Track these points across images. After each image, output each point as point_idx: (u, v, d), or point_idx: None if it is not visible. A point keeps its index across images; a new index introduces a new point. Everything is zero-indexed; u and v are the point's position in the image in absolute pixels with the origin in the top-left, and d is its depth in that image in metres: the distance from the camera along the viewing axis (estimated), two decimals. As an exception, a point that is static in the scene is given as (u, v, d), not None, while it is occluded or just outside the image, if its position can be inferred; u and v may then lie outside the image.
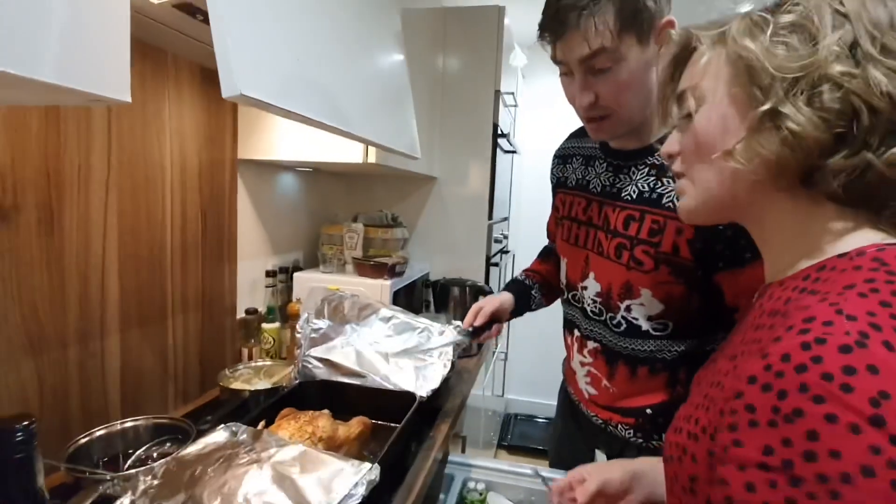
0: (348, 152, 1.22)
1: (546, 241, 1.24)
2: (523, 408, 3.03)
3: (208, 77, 1.13)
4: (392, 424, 0.96)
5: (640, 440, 0.87)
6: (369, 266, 1.43)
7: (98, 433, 0.78)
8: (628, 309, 0.84)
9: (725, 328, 0.81)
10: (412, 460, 0.92)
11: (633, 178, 0.83)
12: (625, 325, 0.85)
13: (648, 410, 0.86)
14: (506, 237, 2.38)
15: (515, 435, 2.82)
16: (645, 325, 0.83)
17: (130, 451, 0.79)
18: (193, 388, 1.16)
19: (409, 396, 0.99)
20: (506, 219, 2.47)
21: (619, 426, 0.89)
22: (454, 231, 1.91)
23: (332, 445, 0.80)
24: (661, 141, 0.72)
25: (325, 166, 1.51)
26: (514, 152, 2.31)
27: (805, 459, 0.32)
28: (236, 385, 1.10)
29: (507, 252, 2.38)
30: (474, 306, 1.10)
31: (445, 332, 1.22)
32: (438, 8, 1.80)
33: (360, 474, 0.62)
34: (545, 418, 2.92)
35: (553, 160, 1.07)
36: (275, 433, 0.76)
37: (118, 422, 0.82)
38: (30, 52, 0.40)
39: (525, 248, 2.86)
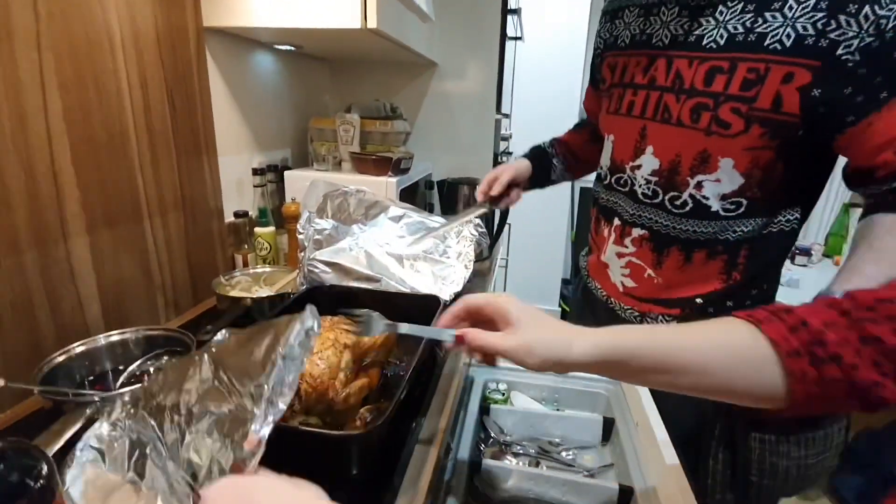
0: (342, 16, 0.99)
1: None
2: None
3: None
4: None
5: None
6: (371, 161, 1.26)
7: (78, 349, 0.65)
8: (699, 186, 0.72)
9: (807, 202, 0.73)
10: (440, 367, 0.84)
11: (721, 18, 0.67)
12: (691, 205, 0.74)
13: (699, 300, 0.79)
14: (511, 135, 2.19)
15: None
16: (715, 206, 0.73)
17: (121, 368, 0.68)
18: (185, 299, 1.03)
19: (431, 300, 0.88)
20: (507, 115, 2.25)
21: (661, 317, 0.82)
22: (457, 126, 1.72)
23: (358, 353, 0.70)
24: None
25: (310, 41, 1.26)
26: (518, 38, 2.04)
27: None
28: (235, 293, 0.98)
29: (509, 153, 2.20)
30: (488, 175, 1.01)
31: (464, 230, 1.10)
32: None
33: (294, 332, 0.46)
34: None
35: (601, 18, 0.91)
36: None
37: (101, 336, 0.69)
38: None
39: (527, 148, 2.67)
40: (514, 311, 0.48)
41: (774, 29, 0.61)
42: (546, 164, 1.07)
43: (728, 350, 0.42)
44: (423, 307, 0.84)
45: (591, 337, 0.45)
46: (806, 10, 0.59)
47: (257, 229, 1.15)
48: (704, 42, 0.68)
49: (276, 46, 1.34)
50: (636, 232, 0.82)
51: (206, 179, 1.08)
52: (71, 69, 0.73)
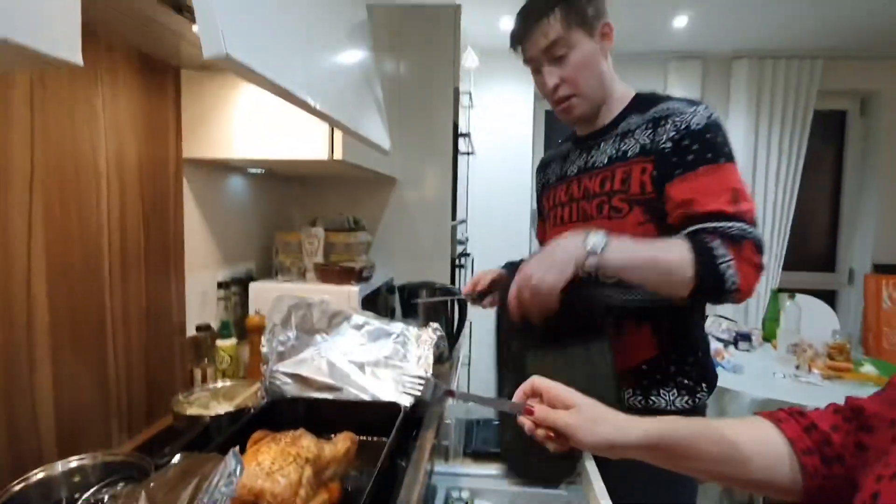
0: (313, 149, 1.13)
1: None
2: (486, 412, 3.00)
3: (147, 64, 1.01)
4: (375, 439, 0.89)
5: (640, 400, 0.93)
6: (335, 272, 1.34)
7: (36, 477, 0.64)
8: None
9: None
10: (402, 475, 0.85)
11: (603, 149, 0.98)
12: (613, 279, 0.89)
13: (644, 367, 0.93)
14: (467, 239, 2.36)
15: (479, 440, 2.78)
16: None
17: (77, 496, 0.66)
18: (139, 419, 1.01)
19: (392, 407, 0.92)
20: (464, 221, 2.44)
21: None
22: (417, 234, 1.86)
23: (319, 466, 0.71)
24: (621, 119, 0.95)
25: (281, 167, 1.40)
26: (471, 153, 2.30)
27: None
28: (192, 411, 0.97)
29: (467, 255, 2.35)
30: (473, 278, 1.15)
31: (423, 335, 1.16)
32: (395, 7, 1.75)
33: (218, 476, 0.49)
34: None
35: (536, 173, 1.21)
36: (252, 460, 0.66)
37: (59, 462, 0.68)
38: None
39: (483, 250, 2.85)
40: (577, 396, 0.57)
41: (631, 146, 0.93)
42: None
43: (755, 443, 0.50)
44: (384, 415, 0.88)
45: (643, 424, 0.53)
46: (643, 132, 0.92)
47: (219, 342, 1.17)
48: (596, 164, 0.99)
49: (249, 170, 1.47)
50: None
51: (171, 296, 1.12)
52: (58, 205, 0.81)
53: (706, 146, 0.85)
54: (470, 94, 2.12)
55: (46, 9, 0.37)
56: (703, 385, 0.94)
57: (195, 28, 0.85)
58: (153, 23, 0.82)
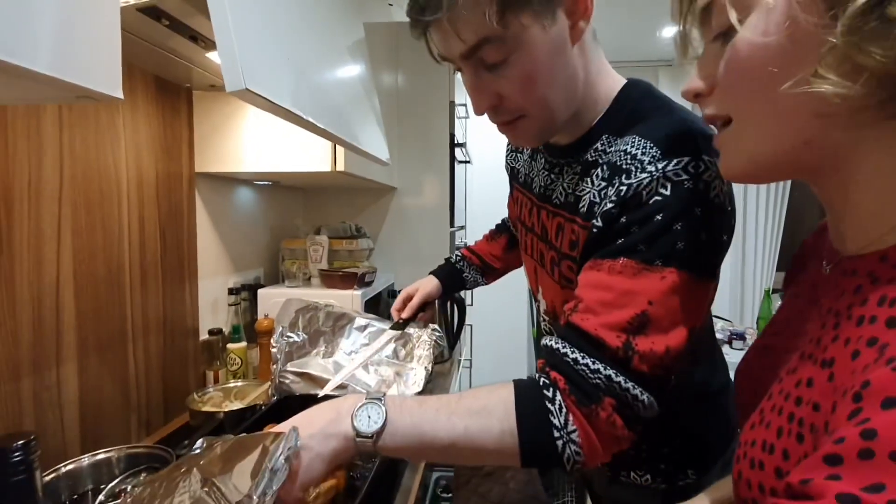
0: (316, 161, 1.21)
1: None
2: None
3: (162, 87, 1.08)
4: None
5: (608, 472, 0.76)
6: (338, 277, 1.41)
7: (65, 468, 0.70)
8: None
9: None
10: (403, 466, 0.91)
11: (563, 177, 0.67)
12: None
13: None
14: (466, 245, 2.42)
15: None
16: None
17: (102, 487, 0.72)
18: (157, 417, 1.08)
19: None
20: (463, 227, 2.51)
21: None
22: (416, 240, 1.92)
23: (327, 456, 0.77)
24: (594, 137, 0.61)
25: (286, 178, 1.47)
26: (467, 162, 2.37)
27: None
28: (207, 408, 1.04)
29: (466, 260, 2.41)
30: (402, 294, 1.07)
31: (423, 335, 1.22)
32: (392, 23, 1.83)
33: (280, 448, 0.53)
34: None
35: (507, 147, 0.91)
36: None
37: (87, 455, 0.74)
38: (24, 43, 0.38)
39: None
40: None
41: (585, 194, 0.61)
42: (458, 280, 1.13)
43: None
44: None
45: None
46: (601, 176, 0.59)
47: (230, 345, 1.23)
48: (553, 197, 0.69)
49: (256, 182, 1.55)
50: None
51: (186, 302, 1.19)
52: (84, 218, 0.88)
53: (646, 232, 0.52)
54: (465, 105, 2.20)
55: (90, 46, 0.44)
56: (690, 471, 0.71)
57: (208, 55, 0.92)
58: (167, 49, 0.90)
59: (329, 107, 0.78)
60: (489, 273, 1.18)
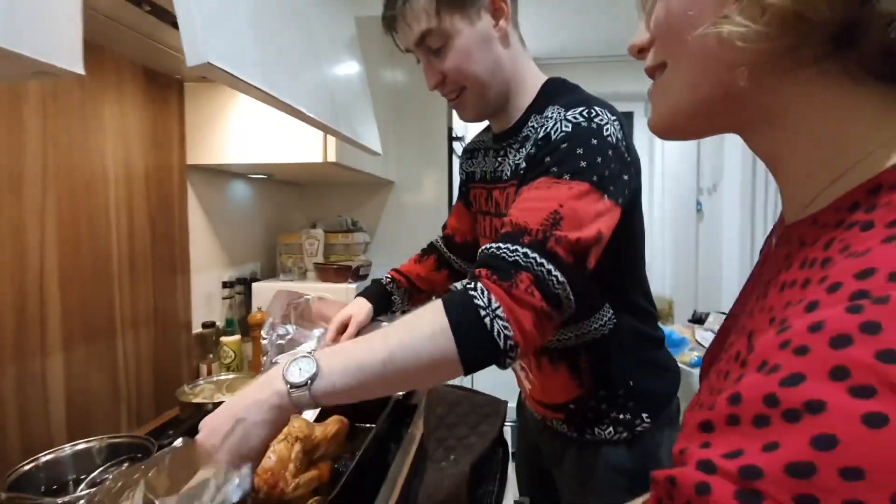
0: (306, 152, 1.19)
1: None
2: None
3: (152, 78, 1.08)
4: (369, 425, 0.94)
5: (575, 433, 0.84)
6: (333, 270, 1.40)
7: (45, 458, 0.70)
8: None
9: (616, 301, 0.80)
10: (392, 458, 0.89)
11: (508, 157, 0.81)
12: None
13: (571, 406, 0.84)
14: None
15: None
16: None
17: (83, 477, 0.72)
18: (148, 410, 1.07)
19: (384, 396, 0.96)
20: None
21: (554, 421, 0.87)
22: (414, 234, 1.90)
23: (310, 445, 0.76)
24: (526, 119, 0.77)
25: (279, 170, 1.46)
26: (467, 157, 2.35)
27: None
28: (197, 401, 1.03)
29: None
30: (335, 322, 0.99)
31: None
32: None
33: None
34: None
35: (462, 156, 1.01)
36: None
37: (68, 445, 0.73)
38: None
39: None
40: None
41: (521, 159, 0.76)
42: (385, 303, 1.07)
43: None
44: (376, 402, 0.92)
45: None
46: (529, 146, 0.74)
47: (223, 338, 1.23)
48: (503, 175, 0.82)
49: (250, 176, 1.54)
50: None
51: (177, 295, 1.19)
52: (69, 207, 0.87)
53: (556, 157, 0.66)
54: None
55: (48, 20, 0.43)
56: (645, 415, 0.81)
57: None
58: (155, 39, 0.89)
59: (314, 94, 0.77)
60: (416, 295, 1.11)
